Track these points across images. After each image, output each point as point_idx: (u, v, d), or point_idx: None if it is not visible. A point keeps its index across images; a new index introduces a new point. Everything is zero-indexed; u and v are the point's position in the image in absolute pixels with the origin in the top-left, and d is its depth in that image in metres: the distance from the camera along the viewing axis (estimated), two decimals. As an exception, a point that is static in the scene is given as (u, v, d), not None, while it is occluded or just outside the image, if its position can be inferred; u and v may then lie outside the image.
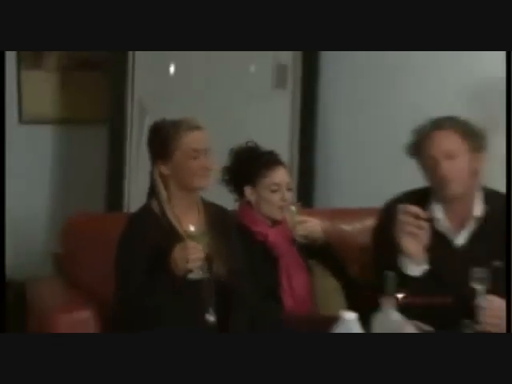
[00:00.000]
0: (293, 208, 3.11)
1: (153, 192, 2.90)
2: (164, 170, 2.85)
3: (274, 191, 3.11)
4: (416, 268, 2.83)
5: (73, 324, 2.86)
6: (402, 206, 2.82)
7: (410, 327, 2.63)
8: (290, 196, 3.17)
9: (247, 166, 3.13)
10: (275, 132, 4.43)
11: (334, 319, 2.32)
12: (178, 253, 2.70)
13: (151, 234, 2.80)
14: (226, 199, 3.20)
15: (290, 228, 3.11)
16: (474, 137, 2.91)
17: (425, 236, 2.81)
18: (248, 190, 3.14)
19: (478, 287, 2.66)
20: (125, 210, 4.32)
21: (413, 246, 2.81)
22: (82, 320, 2.91)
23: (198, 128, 2.86)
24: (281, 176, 3.14)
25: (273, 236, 3.13)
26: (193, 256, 2.68)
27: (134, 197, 4.27)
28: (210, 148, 2.87)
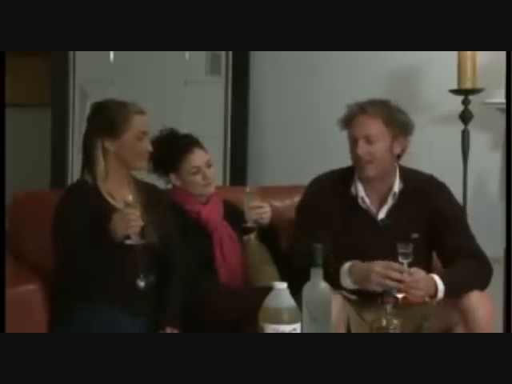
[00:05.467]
0: (250, 192, 3.05)
1: (87, 166, 2.84)
2: (109, 146, 2.79)
3: (194, 173, 3.07)
4: None
5: (19, 297, 2.76)
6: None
7: (336, 295, 2.64)
8: (212, 172, 3.12)
9: (165, 156, 3.06)
10: (210, 115, 4.45)
11: (268, 289, 2.28)
12: (117, 219, 2.68)
13: (86, 205, 2.76)
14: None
15: (244, 210, 3.03)
16: (397, 123, 2.87)
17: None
18: (173, 177, 3.11)
19: (403, 261, 2.69)
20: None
21: None
22: (28, 292, 2.82)
23: (142, 112, 2.84)
24: (198, 158, 3.09)
25: (205, 213, 3.10)
26: (132, 222, 2.67)
27: (77, 175, 4.19)
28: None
